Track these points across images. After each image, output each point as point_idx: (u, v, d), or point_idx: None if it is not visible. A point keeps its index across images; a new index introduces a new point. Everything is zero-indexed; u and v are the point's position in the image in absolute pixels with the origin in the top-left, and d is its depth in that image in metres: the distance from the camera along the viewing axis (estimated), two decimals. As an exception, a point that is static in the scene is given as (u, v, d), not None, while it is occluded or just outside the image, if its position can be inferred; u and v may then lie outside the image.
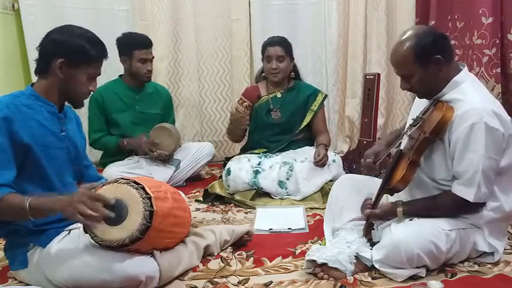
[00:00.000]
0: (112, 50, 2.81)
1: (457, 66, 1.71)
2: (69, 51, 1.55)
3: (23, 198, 1.40)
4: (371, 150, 1.93)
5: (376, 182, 1.87)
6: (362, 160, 1.92)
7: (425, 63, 1.64)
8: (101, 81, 2.90)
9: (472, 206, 1.62)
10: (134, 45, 2.82)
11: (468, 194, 1.59)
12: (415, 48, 1.63)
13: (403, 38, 1.68)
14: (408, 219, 1.68)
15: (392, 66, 1.74)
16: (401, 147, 1.77)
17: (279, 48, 2.81)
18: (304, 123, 2.89)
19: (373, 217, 1.74)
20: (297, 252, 1.90)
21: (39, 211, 1.41)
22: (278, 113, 2.88)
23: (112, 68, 2.98)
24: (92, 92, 1.66)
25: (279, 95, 2.90)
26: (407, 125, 1.79)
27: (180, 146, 3.04)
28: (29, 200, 1.40)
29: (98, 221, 1.41)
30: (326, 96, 3.00)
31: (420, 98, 1.80)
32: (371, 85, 2.99)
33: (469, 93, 1.63)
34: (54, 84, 1.59)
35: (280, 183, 2.63)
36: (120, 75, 2.96)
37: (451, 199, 1.64)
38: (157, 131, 2.86)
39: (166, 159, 2.89)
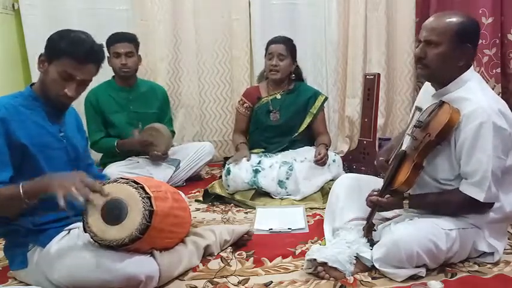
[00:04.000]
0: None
1: (469, 66, 1.70)
2: (46, 46, 1.56)
3: (16, 185, 1.41)
4: (383, 149, 1.93)
5: (377, 182, 1.87)
6: (376, 160, 1.90)
7: (458, 44, 1.62)
8: (102, 81, 2.91)
9: (481, 205, 1.61)
10: (108, 42, 2.82)
11: (478, 194, 1.58)
12: (461, 25, 1.62)
13: (453, 12, 1.68)
14: (408, 219, 1.68)
15: (426, 28, 1.67)
16: (404, 148, 1.75)
17: (281, 46, 2.82)
18: (304, 126, 2.88)
19: (380, 204, 1.71)
20: (297, 252, 1.90)
21: (33, 191, 1.40)
22: (277, 115, 2.87)
23: (106, 70, 2.97)
24: (70, 96, 1.55)
25: (278, 97, 2.89)
26: (411, 125, 1.78)
27: (173, 146, 3.04)
28: (22, 183, 1.40)
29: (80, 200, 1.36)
30: (326, 98, 2.99)
31: (422, 76, 1.77)
32: (371, 85, 3.00)
33: (475, 92, 1.62)
34: (42, 81, 1.59)
35: (280, 183, 2.63)
36: (113, 76, 2.96)
37: (460, 198, 1.63)
38: (147, 132, 2.85)
39: (161, 159, 2.89)
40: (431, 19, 1.69)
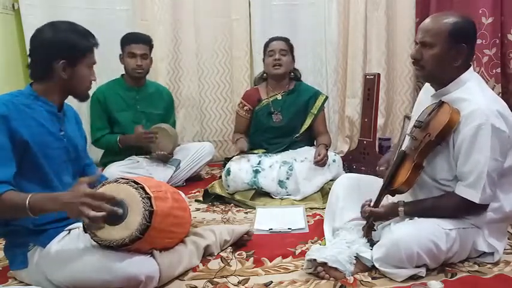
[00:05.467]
0: (112, 50, 2.85)
1: (468, 67, 1.70)
2: (68, 51, 1.56)
3: (23, 196, 1.40)
4: (383, 159, 1.94)
5: (377, 182, 1.87)
6: (377, 168, 1.90)
7: (453, 44, 1.62)
8: (103, 80, 2.92)
9: (477, 207, 1.61)
10: (124, 41, 2.85)
11: (474, 195, 1.58)
12: (455, 25, 1.62)
13: (449, 13, 1.68)
14: (408, 219, 1.67)
15: (421, 30, 1.68)
16: (404, 148, 1.75)
17: (282, 43, 2.85)
18: (305, 126, 2.88)
19: (375, 216, 1.73)
20: (297, 252, 1.90)
21: (40, 210, 1.41)
22: (279, 116, 2.88)
23: (112, 68, 2.99)
24: (93, 81, 1.69)
25: (279, 97, 2.89)
26: (411, 125, 1.78)
27: (178, 146, 3.04)
28: (29, 198, 1.39)
29: (103, 220, 1.40)
30: (326, 98, 3.00)
31: (421, 77, 1.78)
32: (371, 85, 3.00)
33: (474, 93, 1.62)
34: (57, 86, 1.60)
35: (280, 183, 2.63)
36: (122, 75, 2.97)
37: (455, 200, 1.63)
38: (154, 132, 2.85)
39: (166, 159, 2.89)
40: (427, 20, 1.69)
